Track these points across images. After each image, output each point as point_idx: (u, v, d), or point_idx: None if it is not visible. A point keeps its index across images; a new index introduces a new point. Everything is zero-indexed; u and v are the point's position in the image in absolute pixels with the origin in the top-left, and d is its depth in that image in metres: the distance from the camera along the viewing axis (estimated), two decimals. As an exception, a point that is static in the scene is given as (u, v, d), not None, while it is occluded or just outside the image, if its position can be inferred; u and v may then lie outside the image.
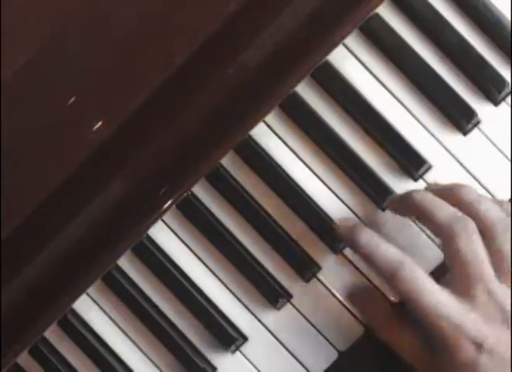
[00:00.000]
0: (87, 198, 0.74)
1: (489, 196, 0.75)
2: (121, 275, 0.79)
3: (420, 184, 0.76)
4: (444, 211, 0.70)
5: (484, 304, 0.67)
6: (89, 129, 0.69)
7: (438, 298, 0.67)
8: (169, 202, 0.74)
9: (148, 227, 0.75)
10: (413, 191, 0.73)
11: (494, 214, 0.69)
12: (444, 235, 0.69)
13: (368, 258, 0.71)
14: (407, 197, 0.73)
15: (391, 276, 0.69)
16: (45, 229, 0.75)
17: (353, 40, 0.75)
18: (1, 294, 0.75)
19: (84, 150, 0.70)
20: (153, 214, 0.74)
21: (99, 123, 0.70)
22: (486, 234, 0.69)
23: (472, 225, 0.68)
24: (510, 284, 0.68)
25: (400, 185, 0.76)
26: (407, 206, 0.73)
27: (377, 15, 0.75)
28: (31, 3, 0.70)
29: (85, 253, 0.76)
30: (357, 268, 0.77)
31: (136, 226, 0.75)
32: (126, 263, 0.79)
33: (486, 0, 0.75)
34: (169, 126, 0.73)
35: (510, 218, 0.69)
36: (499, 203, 0.71)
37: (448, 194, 0.72)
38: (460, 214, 0.69)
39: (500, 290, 0.67)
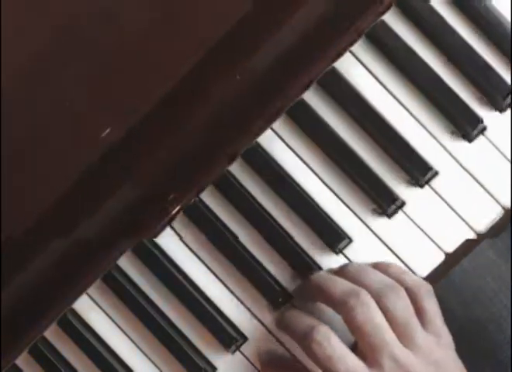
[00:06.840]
0: (96, 203, 0.74)
1: (495, 203, 0.76)
2: (121, 275, 0.79)
3: (426, 191, 0.76)
4: (337, 286, 0.72)
5: (391, 370, 0.69)
6: (98, 135, 0.69)
7: (350, 367, 0.70)
8: (177, 208, 0.74)
9: (156, 235, 0.76)
10: (313, 275, 0.75)
11: (374, 281, 0.72)
12: (341, 310, 0.71)
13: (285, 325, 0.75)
14: (306, 281, 0.75)
15: (305, 340, 0.71)
16: (47, 230, 0.75)
17: (359, 46, 0.75)
18: (1, 294, 0.74)
19: (93, 156, 0.70)
20: (161, 220, 0.74)
21: (108, 129, 0.69)
22: (376, 301, 0.71)
23: (365, 296, 0.70)
24: (410, 346, 0.70)
25: (406, 192, 0.76)
26: (308, 290, 0.75)
27: (382, 21, 0.75)
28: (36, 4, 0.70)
29: (85, 253, 0.76)
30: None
31: (144, 233, 0.75)
32: (126, 263, 0.79)
33: (490, 6, 0.75)
34: (177, 132, 0.73)
35: (391, 280, 0.72)
36: (385, 267, 0.74)
37: (338, 272, 0.75)
38: (354, 287, 0.71)
39: (403, 354, 0.70)
